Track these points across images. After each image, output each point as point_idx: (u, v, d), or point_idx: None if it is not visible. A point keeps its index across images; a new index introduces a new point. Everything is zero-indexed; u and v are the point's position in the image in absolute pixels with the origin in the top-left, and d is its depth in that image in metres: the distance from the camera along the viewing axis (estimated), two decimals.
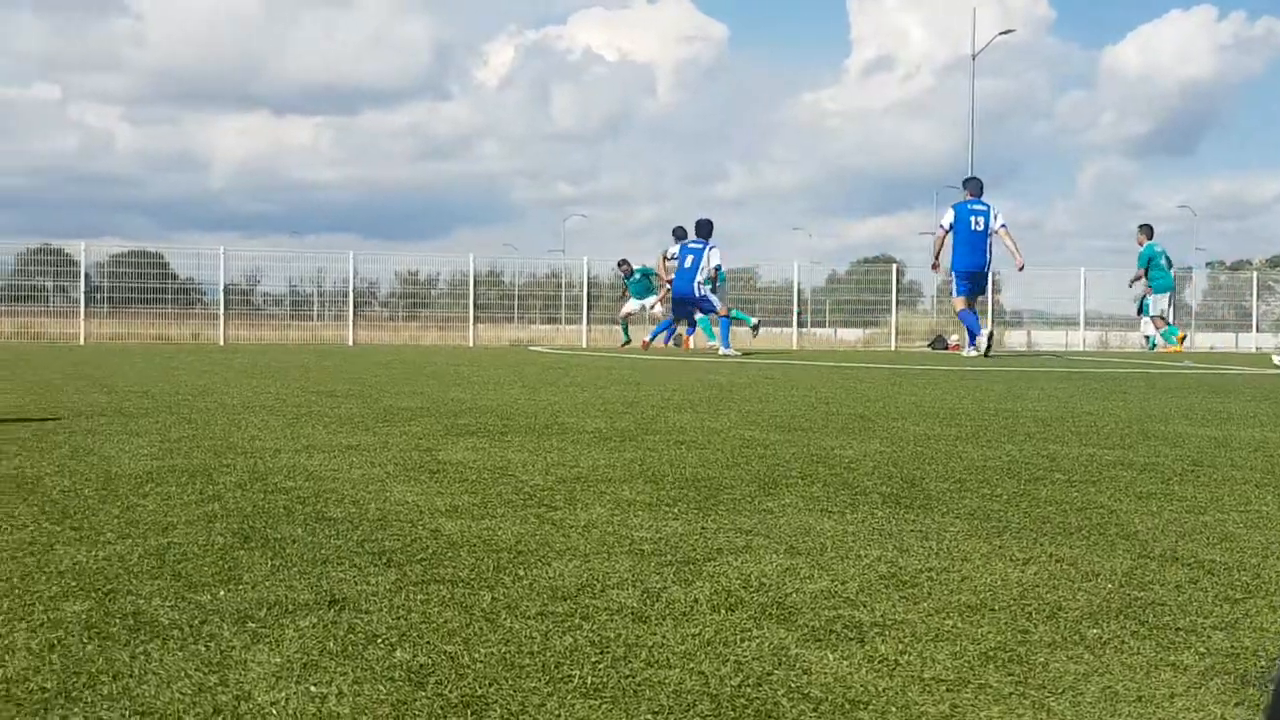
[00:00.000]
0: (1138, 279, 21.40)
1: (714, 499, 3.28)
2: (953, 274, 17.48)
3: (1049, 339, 31.25)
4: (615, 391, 7.94)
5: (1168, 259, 21.14)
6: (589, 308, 27.17)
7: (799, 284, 27.81)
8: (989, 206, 17.27)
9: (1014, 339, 30.47)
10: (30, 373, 9.72)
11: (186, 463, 3.87)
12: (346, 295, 25.92)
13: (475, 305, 26.38)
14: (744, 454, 4.33)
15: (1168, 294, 21.01)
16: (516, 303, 30.03)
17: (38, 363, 11.87)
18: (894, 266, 29.55)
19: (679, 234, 20.23)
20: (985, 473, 3.90)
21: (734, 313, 19.32)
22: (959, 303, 17.75)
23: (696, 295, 18.63)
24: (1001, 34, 33.51)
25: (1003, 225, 17.24)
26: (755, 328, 20.19)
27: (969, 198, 17.40)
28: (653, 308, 23.08)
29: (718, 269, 18.66)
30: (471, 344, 24.95)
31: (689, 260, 18.79)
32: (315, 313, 29.45)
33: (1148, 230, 21.48)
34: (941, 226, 17.44)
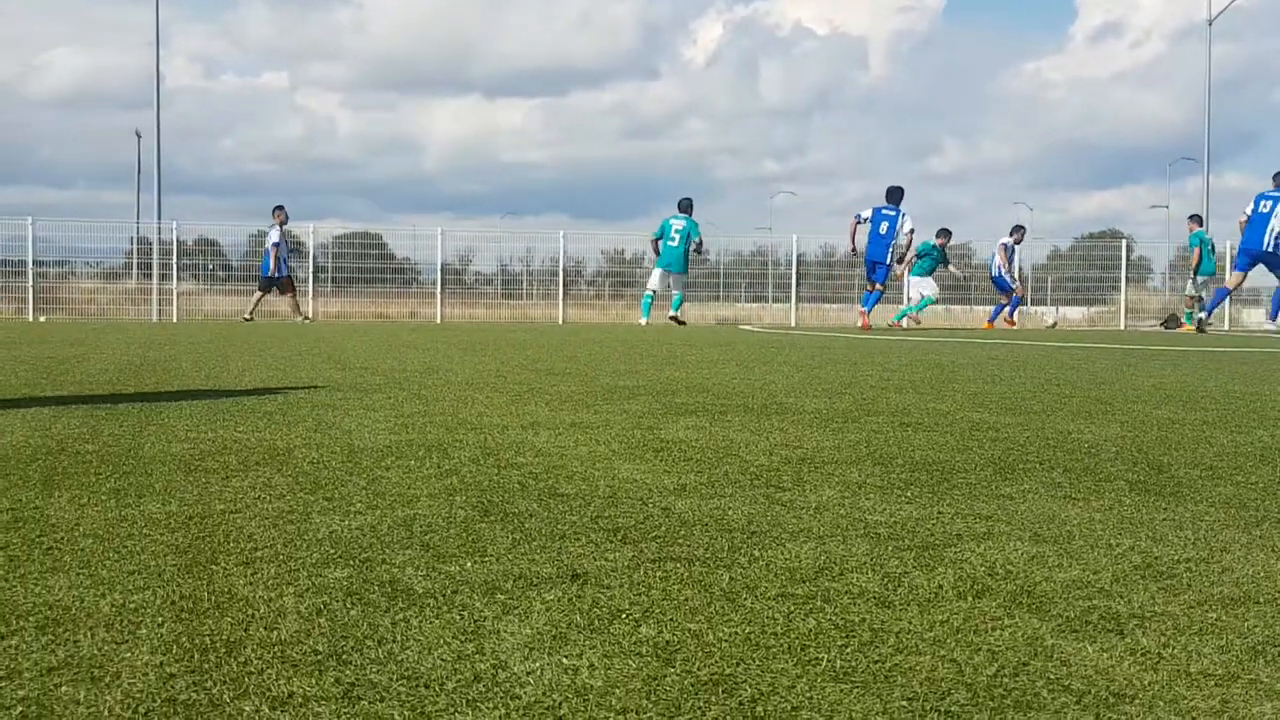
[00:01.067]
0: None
1: (947, 483, 3.20)
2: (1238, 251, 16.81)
3: (1256, 318, 29.33)
4: (831, 371, 7.84)
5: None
6: (797, 285, 26.95)
7: (1021, 260, 26.86)
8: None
9: (1252, 318, 28.69)
10: (266, 350, 10.30)
11: (422, 437, 4.02)
12: (555, 274, 26.47)
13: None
14: (974, 437, 4.21)
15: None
16: (722, 281, 30.02)
17: (272, 340, 12.56)
18: (1123, 242, 28.25)
19: (684, 206, 20.10)
20: (1237, 459, 3.68)
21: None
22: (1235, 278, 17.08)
23: (888, 261, 18.78)
24: None
25: None
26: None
27: (1275, 188, 16.52)
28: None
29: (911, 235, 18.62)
30: (686, 322, 25.11)
31: (884, 226, 18.67)
32: (525, 291, 30.19)
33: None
34: (1245, 213, 16.71)
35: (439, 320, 24.20)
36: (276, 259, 21.30)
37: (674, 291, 20.62)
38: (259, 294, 21.90)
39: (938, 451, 3.81)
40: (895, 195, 19.16)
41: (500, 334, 15.73)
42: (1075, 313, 29.16)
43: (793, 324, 24.63)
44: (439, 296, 25.24)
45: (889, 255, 18.94)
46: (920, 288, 22.53)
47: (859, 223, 19.83)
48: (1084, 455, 3.76)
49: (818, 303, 28.84)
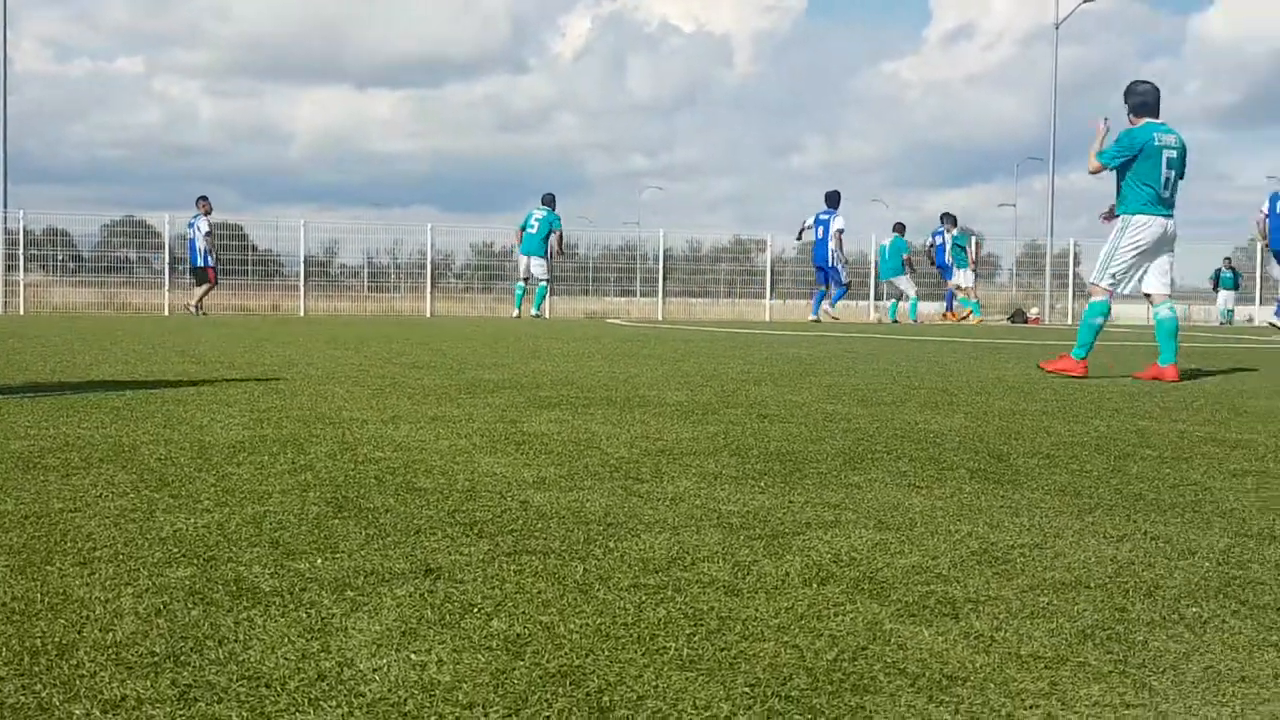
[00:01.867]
0: None
1: (799, 473, 3.27)
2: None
3: (1128, 311, 30.63)
4: (694, 364, 7.94)
5: None
6: (664, 280, 27.16)
7: (874, 256, 27.51)
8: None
9: (1126, 311, 29.86)
10: (118, 343, 9.96)
11: (277, 432, 3.95)
12: (424, 267, 26.16)
13: (550, 278, 26.50)
14: (827, 428, 4.31)
15: None
16: (590, 275, 30.05)
17: (124, 333, 12.15)
18: (972, 239, 29.11)
19: (546, 199, 20.88)
20: (1074, 448, 3.85)
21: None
22: None
23: (829, 265, 19.52)
24: (1085, 1, 32.72)
25: None
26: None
27: None
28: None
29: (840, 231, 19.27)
30: (547, 316, 25.08)
31: (821, 230, 19.47)
32: (392, 284, 29.77)
33: None
34: (1261, 211, 17.14)
35: (302, 313, 23.70)
36: (205, 250, 20.94)
37: (539, 280, 21.21)
38: (203, 286, 21.43)
39: (792, 442, 3.90)
40: (832, 199, 20.12)
41: (365, 327, 15.49)
42: (929, 307, 29.98)
43: (660, 318, 24.81)
44: (302, 289, 24.72)
45: (829, 258, 19.78)
46: (904, 286, 22.97)
47: (805, 227, 20.92)
48: (929, 445, 3.88)
49: (685, 297, 29.10)
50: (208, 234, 20.98)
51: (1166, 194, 7.38)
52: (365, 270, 30.15)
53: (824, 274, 20.73)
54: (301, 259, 24.92)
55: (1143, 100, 7.49)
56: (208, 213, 21.18)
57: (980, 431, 4.27)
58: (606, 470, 3.26)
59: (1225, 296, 28.47)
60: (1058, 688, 1.58)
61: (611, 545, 2.34)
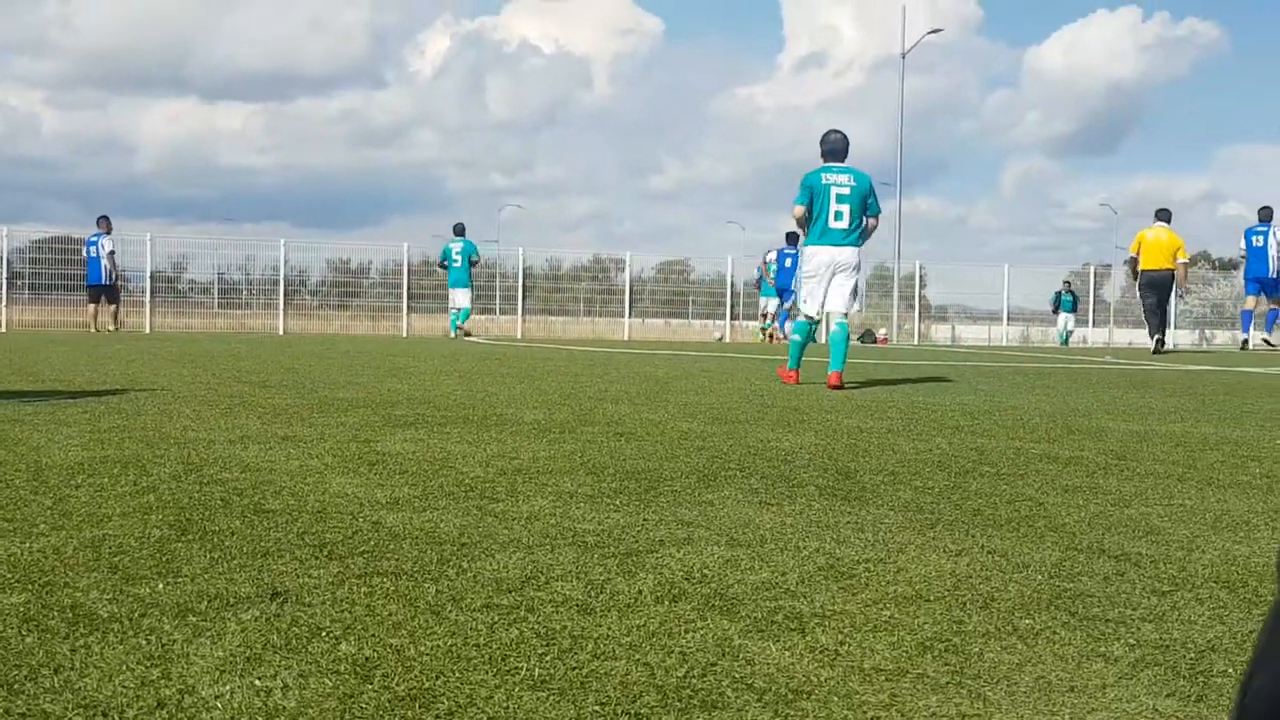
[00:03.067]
0: None
1: (654, 491, 3.31)
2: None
3: (973, 333, 31.75)
4: (552, 383, 7.94)
5: None
6: (524, 298, 27.10)
7: (732, 277, 27.95)
8: (1267, 228, 18.30)
9: (940, 333, 30.91)
10: None
11: (119, 453, 3.82)
12: (277, 283, 25.59)
13: (409, 295, 26.19)
14: (683, 446, 4.37)
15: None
16: (449, 293, 29.79)
17: None
18: None
19: (458, 230, 22.13)
20: (917, 465, 3.97)
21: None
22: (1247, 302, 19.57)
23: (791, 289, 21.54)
24: (930, 33, 33.86)
25: None
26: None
27: (1260, 223, 19.00)
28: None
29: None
30: (405, 334, 24.77)
31: (788, 261, 21.24)
32: (244, 301, 29.03)
33: None
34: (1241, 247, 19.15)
35: (148, 330, 22.93)
36: (109, 268, 20.97)
37: (460, 307, 21.85)
38: (113, 305, 21.31)
39: (647, 460, 3.94)
40: (793, 239, 21.98)
41: (215, 344, 15.07)
42: (786, 327, 30.62)
43: (519, 336, 24.73)
44: (148, 305, 23.92)
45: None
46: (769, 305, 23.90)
47: (765, 263, 23.17)
48: (780, 462, 3.96)
49: (544, 315, 29.10)
50: (111, 253, 21.09)
51: (837, 224, 8.29)
52: (216, 286, 29.33)
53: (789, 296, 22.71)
54: (148, 274, 24.14)
55: (828, 148, 8.52)
56: (108, 231, 21.35)
57: (829, 449, 4.38)
58: (461, 490, 3.24)
59: (1065, 319, 29.69)
60: (898, 699, 1.64)
61: (465, 565, 2.33)
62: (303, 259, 29.37)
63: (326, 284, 31.14)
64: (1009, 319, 29.90)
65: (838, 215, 8.27)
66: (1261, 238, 18.87)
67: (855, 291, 8.43)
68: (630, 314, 27.59)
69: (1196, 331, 33.78)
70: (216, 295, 29.05)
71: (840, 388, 7.90)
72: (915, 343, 26.89)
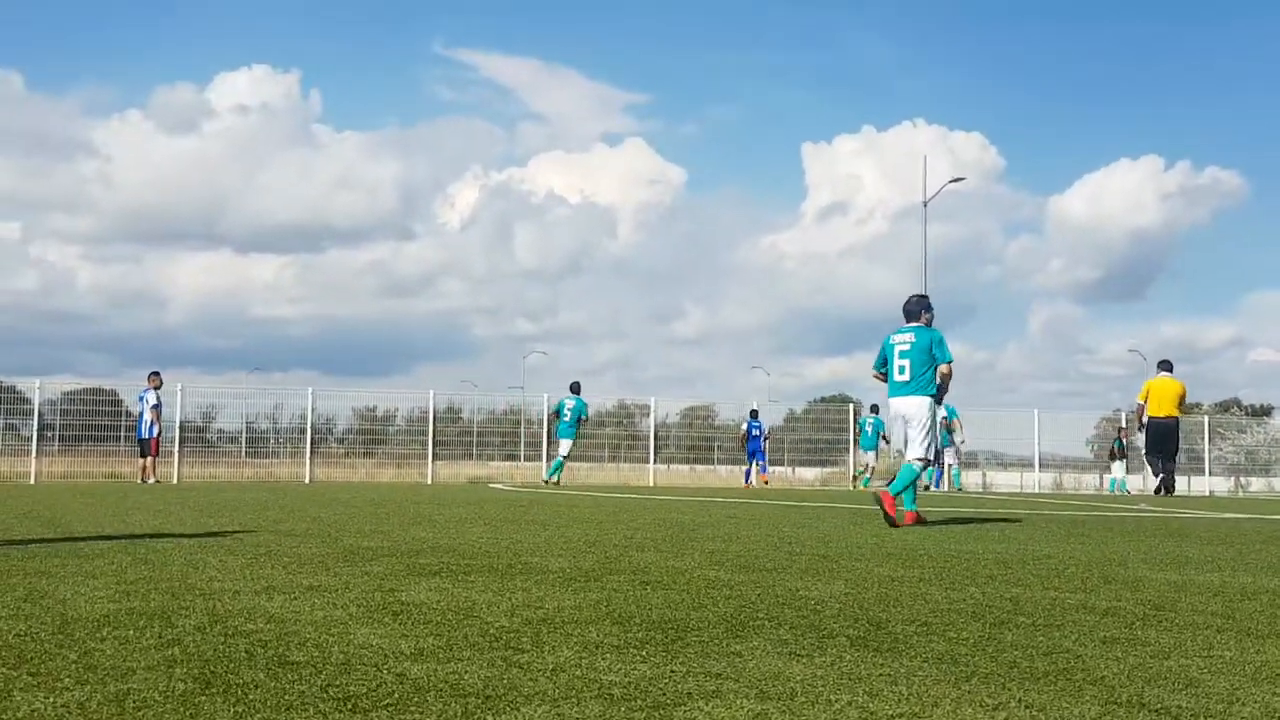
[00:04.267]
0: None
1: (681, 641, 3.26)
2: None
3: (1005, 479, 31.48)
4: (578, 530, 7.90)
5: None
6: (549, 444, 27.13)
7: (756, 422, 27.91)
8: None
9: (971, 480, 30.64)
10: None
11: (144, 605, 3.81)
12: (304, 432, 25.75)
13: (434, 442, 26.28)
14: (710, 595, 4.32)
15: None
16: (475, 439, 29.91)
17: None
18: (850, 406, 29.84)
19: (574, 388, 23.79)
20: (950, 615, 3.91)
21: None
22: None
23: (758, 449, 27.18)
24: (952, 181, 34.52)
25: None
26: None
27: None
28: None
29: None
30: (430, 481, 24.77)
31: (755, 431, 26.00)
32: (271, 449, 29.20)
33: None
34: None
35: (175, 480, 23.02)
36: (152, 421, 21.53)
37: (563, 455, 23.47)
38: (150, 458, 21.72)
39: (674, 610, 3.89)
40: (755, 414, 26.32)
41: (241, 494, 15.10)
42: (809, 473, 30.43)
43: (544, 482, 24.68)
44: (176, 455, 24.08)
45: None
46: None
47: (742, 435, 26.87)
48: (810, 612, 3.91)
49: (570, 461, 29.08)
50: (155, 406, 21.61)
51: (901, 378, 9.63)
52: (243, 435, 29.55)
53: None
54: (177, 424, 24.37)
55: (903, 311, 9.91)
56: (157, 387, 21.91)
57: (860, 598, 4.32)
58: (486, 640, 3.21)
59: (1119, 466, 29.19)
60: None
61: (490, 719, 2.29)
62: (330, 407, 29.65)
63: (353, 432, 31.35)
64: (1040, 465, 29.65)
65: (900, 370, 9.60)
66: None
67: (928, 436, 9.51)
68: (655, 459, 27.56)
69: (1231, 478, 33.40)
70: (244, 444, 29.24)
71: (892, 519, 8.91)
72: (946, 489, 26.65)
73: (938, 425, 9.80)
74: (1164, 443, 18.69)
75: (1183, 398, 18.59)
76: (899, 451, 9.93)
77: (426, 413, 26.71)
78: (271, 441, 29.47)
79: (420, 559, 5.54)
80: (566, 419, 23.15)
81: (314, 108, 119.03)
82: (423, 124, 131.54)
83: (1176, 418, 18.48)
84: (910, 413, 9.56)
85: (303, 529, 7.66)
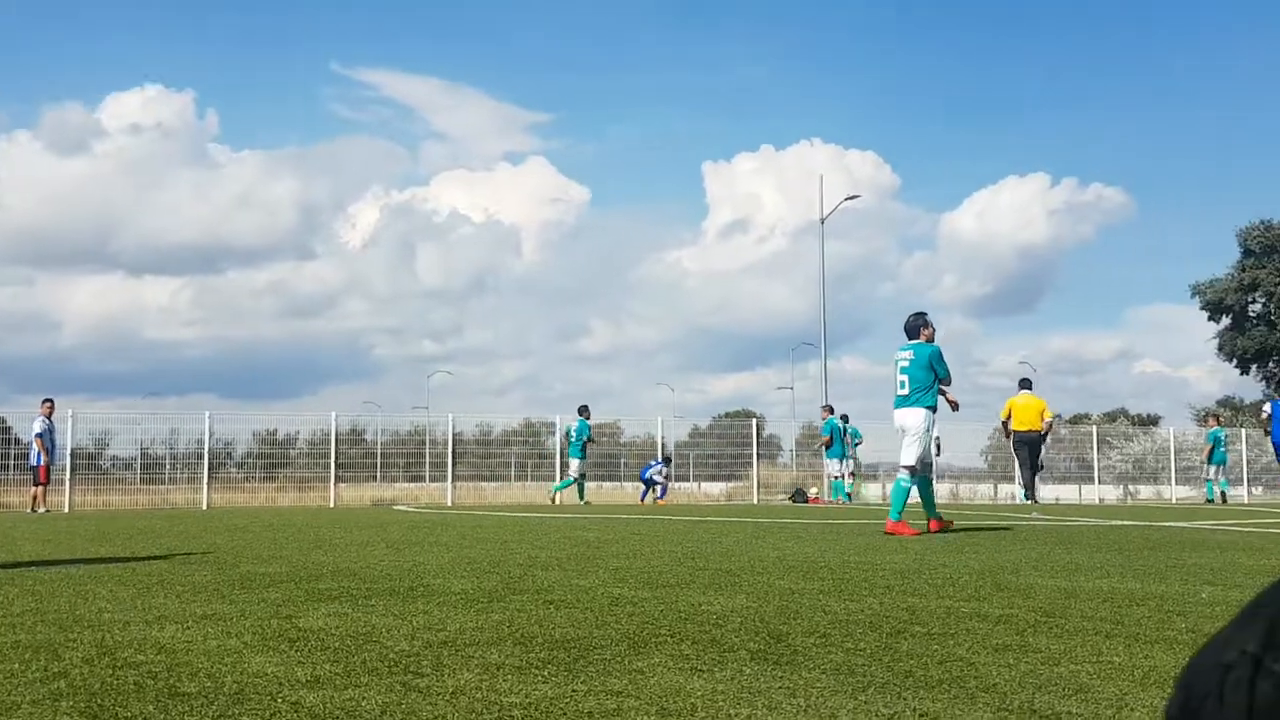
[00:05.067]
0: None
1: (584, 659, 3.25)
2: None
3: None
4: (482, 550, 7.84)
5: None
6: (454, 465, 26.90)
7: (662, 438, 28.03)
8: None
9: (871, 491, 31.07)
10: None
11: (30, 638, 3.69)
12: (201, 457, 25.17)
13: (336, 464, 25.87)
14: (613, 612, 4.32)
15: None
16: (379, 461, 29.52)
17: None
18: (754, 421, 30.09)
19: (581, 410, 24.31)
20: (849, 626, 3.96)
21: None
22: None
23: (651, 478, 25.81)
24: (848, 199, 35.08)
25: None
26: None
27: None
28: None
29: None
30: (332, 504, 24.38)
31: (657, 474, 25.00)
32: (167, 476, 28.49)
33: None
34: (1265, 412, 21.95)
35: (67, 509, 22.33)
36: (42, 448, 21.00)
37: (569, 476, 24.00)
38: (38, 486, 21.09)
39: (577, 628, 3.88)
40: (666, 457, 26.63)
41: (135, 521, 14.71)
42: (714, 488, 30.61)
43: (449, 503, 24.45)
44: (68, 483, 23.34)
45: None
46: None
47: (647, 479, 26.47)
48: (711, 626, 3.93)
49: (475, 481, 28.87)
50: (38, 434, 21.12)
51: (901, 392, 10.30)
52: (139, 462, 28.80)
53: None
54: (69, 452, 23.63)
55: (904, 328, 10.60)
56: (48, 414, 21.38)
57: (761, 611, 4.35)
58: (385, 665, 3.17)
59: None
60: None
61: None
62: (228, 431, 29.09)
63: (253, 456, 30.74)
64: (937, 476, 30.16)
65: (900, 384, 10.30)
66: None
67: (921, 446, 10.20)
68: (562, 477, 27.47)
69: (1120, 486, 34.36)
70: (139, 471, 28.49)
71: (893, 534, 9.66)
72: (848, 501, 26.99)
73: (931, 437, 10.44)
74: (1030, 453, 20.53)
75: (1043, 412, 20.41)
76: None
77: (329, 435, 26.28)
78: (168, 467, 28.76)
79: (319, 584, 5.46)
80: (574, 439, 24.05)
81: (210, 127, 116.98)
82: (322, 143, 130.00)
83: (1038, 431, 20.26)
84: (908, 423, 10.23)
85: (197, 556, 7.48)
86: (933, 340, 10.50)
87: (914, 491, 10.45)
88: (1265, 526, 11.73)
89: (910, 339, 10.44)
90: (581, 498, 23.77)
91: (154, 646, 3.50)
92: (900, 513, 10.13)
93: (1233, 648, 0.71)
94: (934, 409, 10.28)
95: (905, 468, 10.31)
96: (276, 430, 32.24)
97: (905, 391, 10.26)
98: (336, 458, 25.92)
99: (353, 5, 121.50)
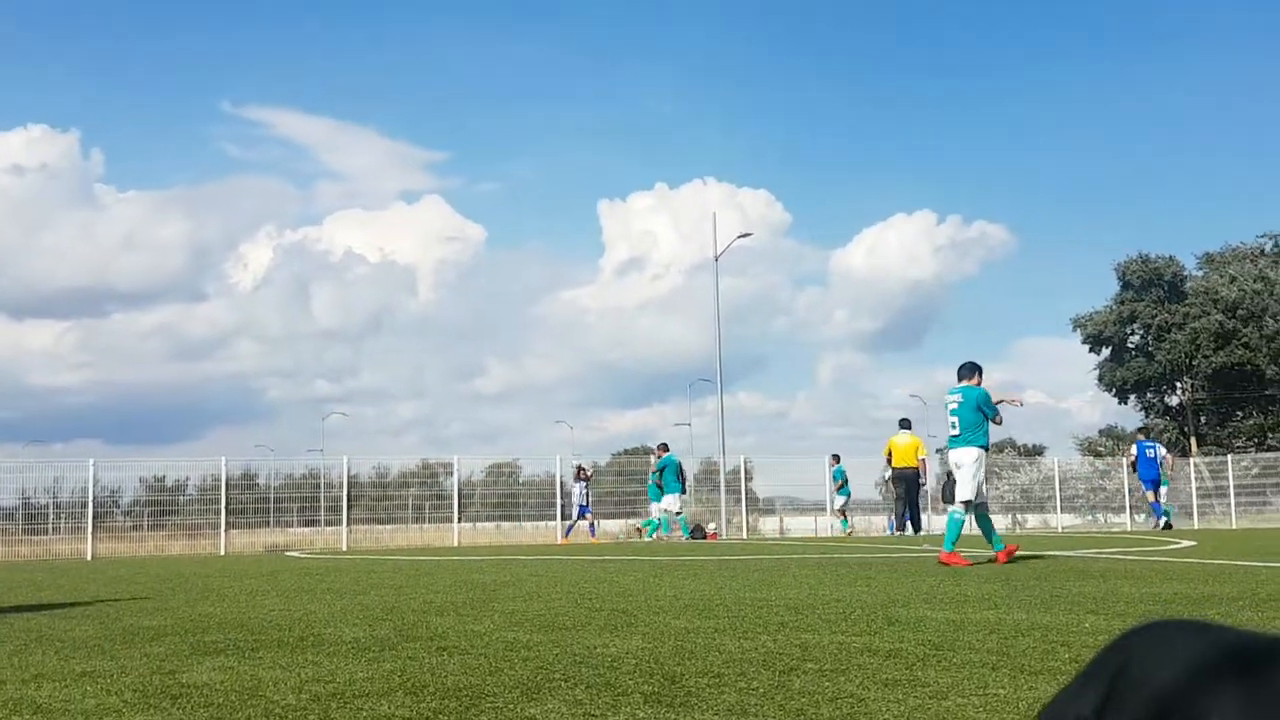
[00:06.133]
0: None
1: (475, 708, 3.22)
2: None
3: (800, 524, 32.31)
4: (375, 597, 7.72)
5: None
6: (349, 508, 26.46)
7: (560, 476, 27.93)
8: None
9: (768, 525, 31.34)
10: None
11: None
12: (85, 505, 24.39)
13: (228, 510, 25.27)
14: (507, 657, 4.28)
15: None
16: (272, 506, 28.88)
17: None
18: (651, 457, 30.15)
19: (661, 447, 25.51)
20: (742, 665, 3.98)
21: None
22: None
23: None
24: (740, 237, 35.53)
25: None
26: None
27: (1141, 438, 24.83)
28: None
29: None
30: (223, 551, 23.80)
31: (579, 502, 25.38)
32: (50, 525, 27.52)
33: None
34: (1131, 454, 24.74)
35: None
36: None
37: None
38: None
39: (470, 675, 3.84)
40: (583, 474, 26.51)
41: (14, 574, 14.19)
42: (614, 525, 30.55)
43: (344, 548, 24.02)
44: None
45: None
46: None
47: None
48: (606, 670, 3.92)
49: (371, 524, 28.40)
50: None
51: (953, 433, 11.01)
52: (20, 511, 27.78)
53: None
54: None
55: (956, 373, 11.17)
56: None
57: (656, 653, 4.36)
58: None
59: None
60: None
61: None
62: (115, 478, 28.21)
63: (140, 503, 29.88)
64: (832, 509, 30.53)
65: (952, 425, 11.04)
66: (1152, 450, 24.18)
67: (976, 482, 10.80)
68: (460, 519, 27.19)
69: (1009, 516, 35.10)
70: (20, 521, 27.48)
71: (947, 564, 10.13)
72: (744, 536, 27.15)
73: (983, 472, 11.06)
74: (908, 489, 22.38)
75: (918, 449, 22.42)
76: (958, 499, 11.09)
77: (219, 480, 25.66)
78: (51, 516, 27.78)
79: (205, 636, 5.32)
80: (665, 476, 24.47)
81: (96, 168, 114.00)
82: (212, 183, 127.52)
83: (916, 468, 22.21)
84: (961, 460, 10.94)
85: (79, 609, 7.24)
86: (980, 385, 11.21)
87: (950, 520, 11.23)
88: (1146, 555, 12.10)
89: (959, 382, 11.15)
90: (654, 531, 24.30)
91: (30, 707, 3.38)
92: (954, 544, 10.81)
93: (1071, 711, 0.73)
94: (986, 448, 10.97)
95: (962, 502, 10.94)
96: (165, 476, 31.39)
97: (956, 432, 10.99)
98: (228, 503, 25.32)
99: (244, 44, 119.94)
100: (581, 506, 26.18)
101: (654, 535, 24.64)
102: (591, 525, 26.55)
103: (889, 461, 22.73)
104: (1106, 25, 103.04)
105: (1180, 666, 0.71)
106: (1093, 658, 0.77)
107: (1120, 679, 0.73)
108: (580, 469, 27.02)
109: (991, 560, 10.66)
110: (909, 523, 22.81)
